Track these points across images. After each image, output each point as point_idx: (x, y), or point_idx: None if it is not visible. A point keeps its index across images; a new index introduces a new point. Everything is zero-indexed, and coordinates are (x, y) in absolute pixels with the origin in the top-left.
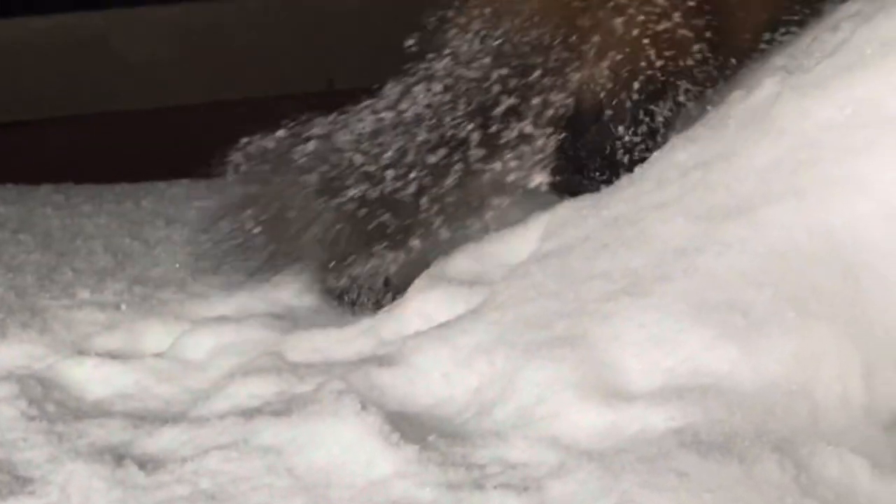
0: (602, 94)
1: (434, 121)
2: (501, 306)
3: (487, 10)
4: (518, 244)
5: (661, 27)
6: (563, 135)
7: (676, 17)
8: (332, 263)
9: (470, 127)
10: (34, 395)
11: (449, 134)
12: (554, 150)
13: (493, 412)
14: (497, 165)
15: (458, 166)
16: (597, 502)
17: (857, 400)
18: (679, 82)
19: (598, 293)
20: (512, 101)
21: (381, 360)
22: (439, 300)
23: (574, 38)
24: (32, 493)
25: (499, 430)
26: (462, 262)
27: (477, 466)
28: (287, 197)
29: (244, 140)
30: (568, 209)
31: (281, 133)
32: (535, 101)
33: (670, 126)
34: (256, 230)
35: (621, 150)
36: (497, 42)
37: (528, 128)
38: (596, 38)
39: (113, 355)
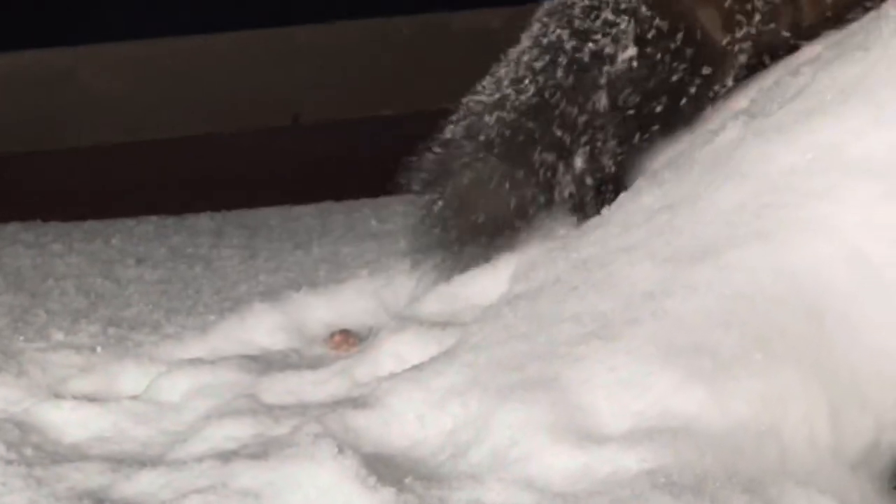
0: None
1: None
2: (474, 348)
3: None
4: (488, 285)
5: None
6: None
7: None
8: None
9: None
10: (11, 439)
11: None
12: None
13: (467, 454)
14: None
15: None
16: None
17: (824, 440)
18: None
19: (569, 336)
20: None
21: (356, 402)
22: (412, 341)
23: None
24: None
25: (474, 472)
26: (433, 303)
27: None
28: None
29: (411, 158)
30: (537, 250)
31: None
32: None
33: None
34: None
35: None
36: None
37: None
38: None
39: (89, 398)
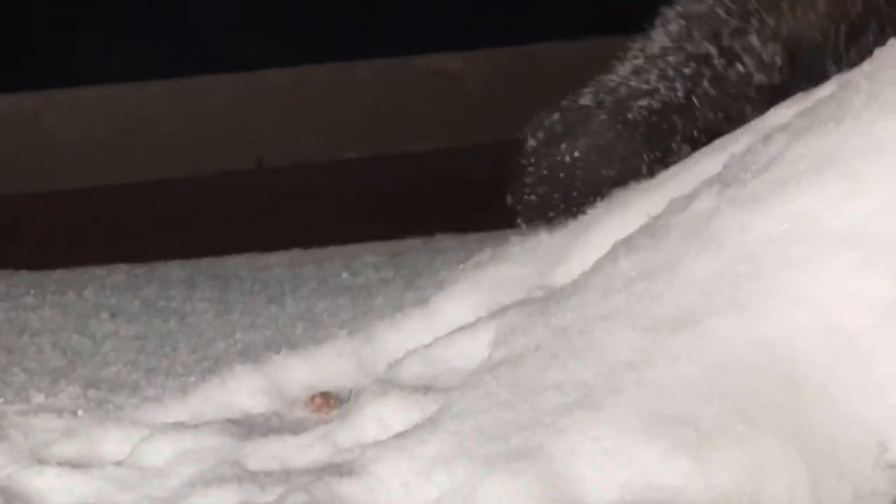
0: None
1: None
2: (458, 416)
3: None
4: (468, 350)
5: None
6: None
7: None
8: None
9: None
10: None
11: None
12: None
13: None
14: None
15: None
16: None
17: None
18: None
19: (552, 405)
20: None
21: (341, 470)
22: (394, 406)
23: None
24: None
25: None
26: (413, 366)
27: None
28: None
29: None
30: (516, 315)
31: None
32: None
33: None
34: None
35: None
36: None
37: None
38: None
39: (72, 463)
